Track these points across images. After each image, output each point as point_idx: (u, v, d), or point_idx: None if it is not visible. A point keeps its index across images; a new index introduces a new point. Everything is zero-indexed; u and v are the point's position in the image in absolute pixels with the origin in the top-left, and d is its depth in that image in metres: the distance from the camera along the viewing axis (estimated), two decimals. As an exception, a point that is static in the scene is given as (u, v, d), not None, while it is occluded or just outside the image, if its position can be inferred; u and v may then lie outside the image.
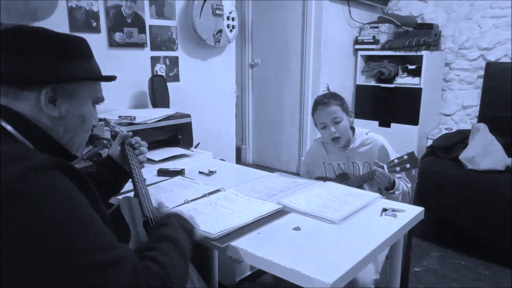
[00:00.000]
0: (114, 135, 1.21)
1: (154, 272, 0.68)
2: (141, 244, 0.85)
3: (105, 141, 1.13)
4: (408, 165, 1.52)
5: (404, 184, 1.64)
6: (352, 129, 1.75)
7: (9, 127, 0.73)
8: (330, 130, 1.67)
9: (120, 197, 1.29)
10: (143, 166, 1.21)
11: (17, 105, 0.75)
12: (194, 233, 0.95)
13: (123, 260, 0.64)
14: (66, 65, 0.78)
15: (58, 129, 0.80)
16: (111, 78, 0.90)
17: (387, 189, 1.58)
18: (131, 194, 1.14)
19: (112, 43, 2.24)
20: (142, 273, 0.65)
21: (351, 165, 1.73)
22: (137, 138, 1.23)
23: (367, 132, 1.75)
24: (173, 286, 0.71)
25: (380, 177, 1.54)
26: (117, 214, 0.99)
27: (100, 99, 0.89)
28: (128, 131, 1.24)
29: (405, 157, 1.54)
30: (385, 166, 1.56)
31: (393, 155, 1.69)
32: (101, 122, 1.26)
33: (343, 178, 1.71)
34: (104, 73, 0.91)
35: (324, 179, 1.69)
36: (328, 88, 1.80)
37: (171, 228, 0.87)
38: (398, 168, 1.54)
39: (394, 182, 1.58)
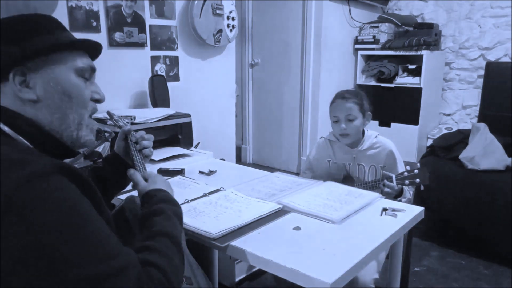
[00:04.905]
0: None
1: (156, 280, 0.67)
2: (138, 239, 0.81)
3: (106, 134, 1.10)
4: (418, 180, 1.50)
5: (408, 192, 1.63)
6: (362, 130, 1.74)
7: (6, 128, 0.71)
8: (341, 126, 1.67)
9: (122, 197, 1.29)
10: (147, 160, 1.18)
11: (1, 101, 0.73)
12: (182, 214, 0.91)
13: (127, 268, 0.63)
14: (24, 43, 0.74)
15: (44, 113, 0.76)
16: (83, 42, 0.83)
17: (394, 197, 1.56)
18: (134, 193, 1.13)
19: (112, 43, 2.23)
20: (146, 281, 0.64)
21: (357, 167, 1.73)
22: (142, 133, 1.16)
23: (377, 135, 1.74)
24: None
25: (388, 192, 1.53)
26: (120, 215, 0.97)
27: (85, 69, 0.81)
28: (130, 123, 1.19)
29: (416, 171, 1.51)
30: (393, 177, 1.54)
31: (401, 161, 1.68)
32: (104, 115, 1.23)
33: (348, 181, 1.71)
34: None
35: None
36: (356, 87, 1.80)
37: (164, 219, 0.82)
38: (407, 182, 1.52)
39: (402, 190, 1.56)
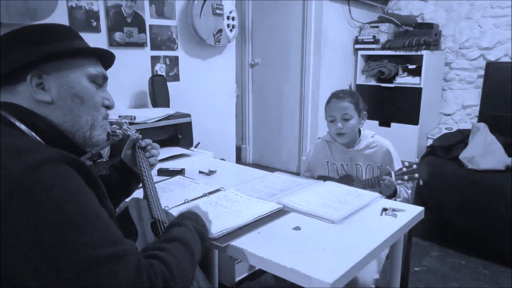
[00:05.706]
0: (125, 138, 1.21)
1: (158, 271, 0.68)
2: (150, 243, 0.83)
3: (114, 137, 1.13)
4: (417, 175, 1.51)
5: (405, 191, 1.64)
6: (359, 130, 1.75)
7: (22, 126, 0.74)
8: (337, 125, 1.68)
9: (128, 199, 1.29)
10: (153, 169, 1.21)
11: (17, 100, 0.77)
12: (207, 238, 0.94)
13: (127, 255, 0.64)
14: (42, 47, 0.79)
15: (57, 114, 0.79)
16: (97, 51, 0.87)
17: (389, 197, 1.56)
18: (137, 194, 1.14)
19: (112, 43, 2.23)
20: (146, 270, 0.65)
21: (354, 167, 1.73)
22: (148, 141, 1.21)
23: (373, 135, 1.74)
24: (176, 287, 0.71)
25: (388, 185, 1.53)
26: (125, 215, 0.99)
27: (97, 76, 0.86)
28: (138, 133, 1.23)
29: (415, 166, 1.52)
30: (392, 173, 1.54)
31: (398, 160, 1.69)
32: (114, 125, 1.26)
33: (346, 180, 1.71)
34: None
35: (326, 178, 1.68)
36: (350, 87, 1.82)
37: (184, 230, 0.85)
38: (406, 177, 1.53)
39: (396, 190, 1.57)
